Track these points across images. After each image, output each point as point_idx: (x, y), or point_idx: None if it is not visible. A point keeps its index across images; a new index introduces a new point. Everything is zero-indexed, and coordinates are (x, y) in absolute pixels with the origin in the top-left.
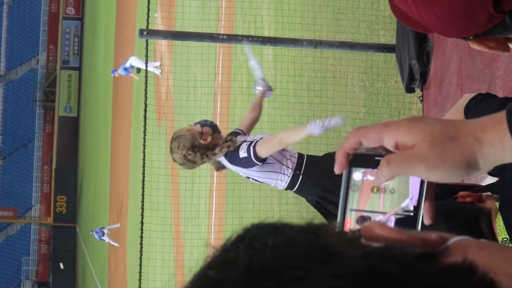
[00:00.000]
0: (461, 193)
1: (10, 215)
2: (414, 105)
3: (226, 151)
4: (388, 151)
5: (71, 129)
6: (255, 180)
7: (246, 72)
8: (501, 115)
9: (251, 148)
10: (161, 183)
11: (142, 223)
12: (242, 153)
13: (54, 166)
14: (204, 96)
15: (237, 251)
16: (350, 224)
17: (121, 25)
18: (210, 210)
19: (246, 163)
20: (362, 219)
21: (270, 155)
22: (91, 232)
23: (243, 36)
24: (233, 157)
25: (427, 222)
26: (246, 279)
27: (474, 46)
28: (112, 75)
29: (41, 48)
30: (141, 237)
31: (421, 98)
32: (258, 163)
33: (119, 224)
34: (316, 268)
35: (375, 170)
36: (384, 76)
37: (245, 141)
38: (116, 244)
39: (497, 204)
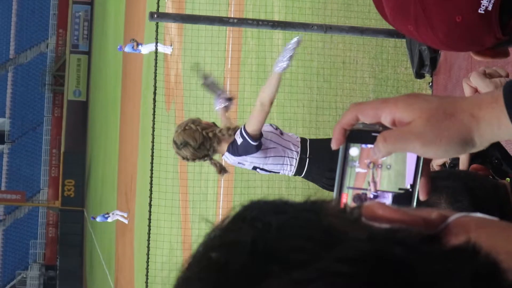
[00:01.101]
0: (474, 165)
1: (18, 198)
2: (424, 91)
3: (227, 132)
4: (385, 127)
5: (80, 113)
6: (263, 170)
7: (256, 56)
8: (498, 93)
9: (242, 130)
10: (170, 166)
11: (150, 205)
12: (239, 139)
13: (62, 150)
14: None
15: (239, 232)
16: (346, 199)
17: (131, 9)
18: (218, 193)
19: (246, 148)
20: (358, 198)
21: (271, 140)
22: (92, 218)
23: (253, 20)
24: (234, 147)
25: (422, 198)
26: (251, 262)
27: (476, 57)
28: (119, 50)
29: (50, 32)
30: (149, 219)
31: (430, 84)
32: (254, 143)
33: (127, 218)
34: (321, 251)
35: (372, 146)
36: (394, 62)
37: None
38: (125, 220)
39: (508, 179)
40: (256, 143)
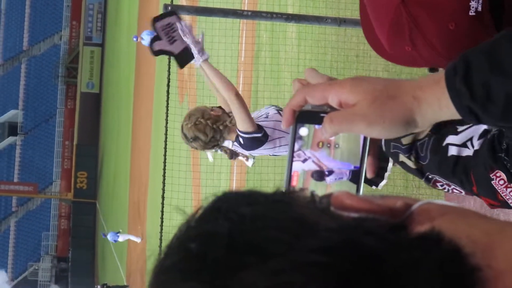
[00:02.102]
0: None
1: (31, 190)
2: None
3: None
4: (332, 108)
5: (93, 105)
6: (275, 155)
7: (269, 49)
8: (440, 76)
9: (238, 132)
10: (183, 158)
11: (163, 197)
12: (241, 139)
13: (75, 142)
14: (227, 72)
15: (215, 223)
16: (297, 177)
17: (145, 1)
18: (230, 187)
19: (252, 143)
20: (316, 173)
21: (280, 130)
22: (103, 236)
23: (267, 12)
24: (241, 144)
25: (369, 176)
26: (229, 253)
27: None
28: (134, 40)
29: (64, 24)
30: (162, 211)
31: None
32: (257, 134)
33: (141, 239)
34: (295, 242)
35: (320, 126)
36: None
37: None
38: (137, 240)
39: None
40: (260, 134)
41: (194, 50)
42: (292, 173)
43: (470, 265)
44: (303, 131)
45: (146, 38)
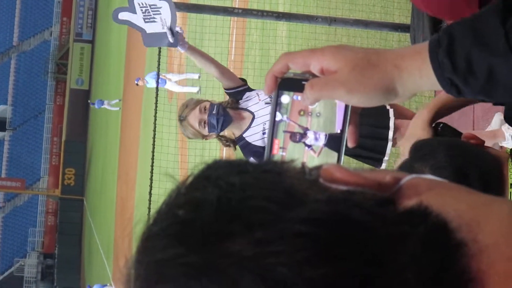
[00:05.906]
0: (467, 133)
1: (18, 186)
2: None
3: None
4: (314, 76)
5: (82, 102)
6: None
7: (259, 48)
8: (422, 46)
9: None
10: (171, 155)
11: (150, 194)
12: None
13: (63, 138)
14: None
15: (204, 190)
16: (278, 145)
17: None
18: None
19: (241, 93)
20: (294, 136)
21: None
22: (91, 104)
23: (258, 10)
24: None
25: (350, 144)
26: (216, 220)
27: None
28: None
29: (54, 20)
30: (149, 208)
31: None
32: (242, 88)
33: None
34: (283, 212)
35: (302, 93)
36: None
37: None
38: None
39: (508, 149)
40: (246, 86)
41: (172, 41)
42: (273, 141)
43: (456, 239)
44: (285, 98)
45: (150, 81)
